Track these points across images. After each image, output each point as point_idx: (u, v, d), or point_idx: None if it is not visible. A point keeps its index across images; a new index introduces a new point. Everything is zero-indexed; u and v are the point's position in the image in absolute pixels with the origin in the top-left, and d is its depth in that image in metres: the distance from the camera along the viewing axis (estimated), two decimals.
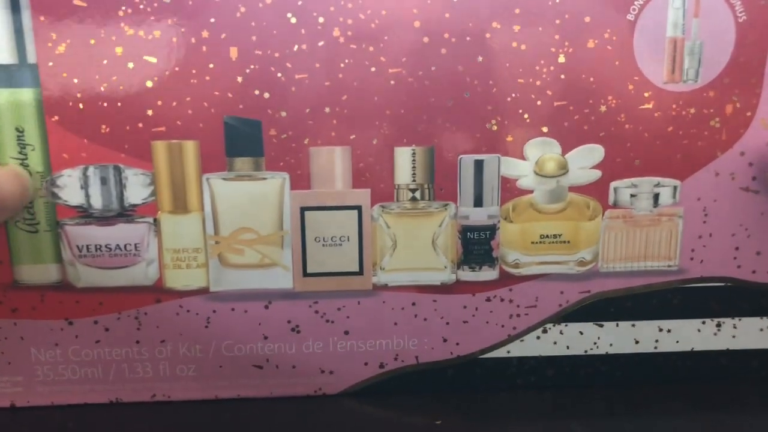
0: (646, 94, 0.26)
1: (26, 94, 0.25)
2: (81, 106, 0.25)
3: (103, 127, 0.25)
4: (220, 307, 0.27)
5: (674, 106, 0.26)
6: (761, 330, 0.29)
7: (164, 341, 0.27)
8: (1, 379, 0.28)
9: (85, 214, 0.26)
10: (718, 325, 0.29)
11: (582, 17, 0.25)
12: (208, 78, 0.25)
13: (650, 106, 0.26)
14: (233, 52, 0.25)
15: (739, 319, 0.29)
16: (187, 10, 0.24)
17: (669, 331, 0.28)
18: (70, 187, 0.26)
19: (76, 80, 0.25)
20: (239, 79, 0.25)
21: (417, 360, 0.28)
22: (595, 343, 0.28)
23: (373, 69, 0.25)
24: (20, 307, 0.27)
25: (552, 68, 0.26)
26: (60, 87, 0.25)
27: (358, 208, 0.27)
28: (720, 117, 0.27)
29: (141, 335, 0.27)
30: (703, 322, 0.29)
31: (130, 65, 0.25)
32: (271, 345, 0.28)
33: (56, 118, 0.25)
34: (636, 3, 0.25)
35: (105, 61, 0.25)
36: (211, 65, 0.25)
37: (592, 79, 0.26)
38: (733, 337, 0.29)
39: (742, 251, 0.28)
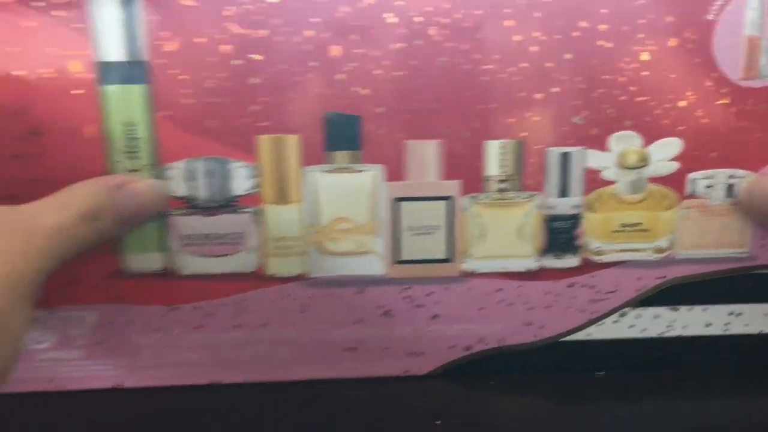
0: (723, 90, 0.28)
1: (136, 90, 0.26)
2: (189, 101, 0.26)
3: (211, 122, 0.26)
4: (316, 292, 0.29)
5: (750, 101, 0.28)
6: None
7: (263, 325, 0.29)
8: (106, 362, 0.29)
9: (190, 205, 0.27)
10: None
11: (665, 17, 0.27)
12: (310, 75, 0.26)
13: (727, 101, 0.28)
14: (335, 51, 0.26)
15: None
16: (291, 11, 0.26)
17: (739, 314, 0.30)
18: (176, 180, 0.27)
19: (184, 77, 0.26)
20: (340, 76, 0.26)
21: (501, 343, 0.30)
22: (669, 326, 0.30)
23: (466, 66, 0.27)
24: (127, 293, 0.28)
25: (635, 65, 0.27)
26: (169, 83, 0.26)
27: (449, 199, 0.28)
28: None
29: (242, 319, 0.29)
30: None
31: (238, 62, 0.26)
32: (363, 328, 0.29)
33: (165, 113, 0.26)
34: (716, 3, 0.27)
35: (214, 59, 0.26)
36: (314, 63, 0.26)
37: (672, 75, 0.27)
38: None
39: None
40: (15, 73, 0.25)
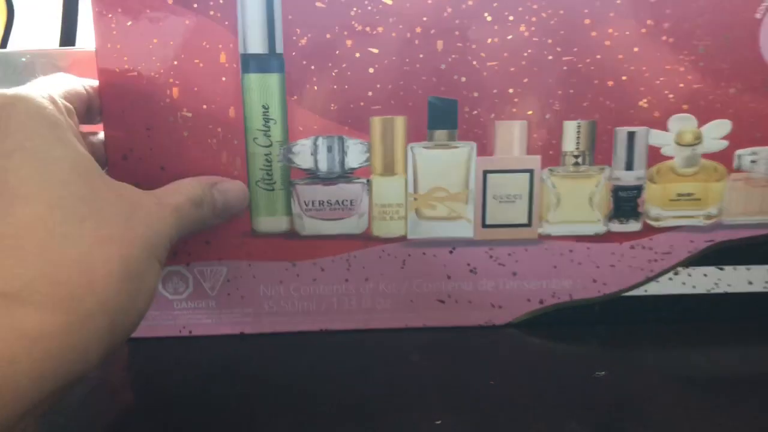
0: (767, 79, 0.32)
1: (273, 78, 0.31)
2: (315, 88, 0.31)
3: (332, 105, 0.31)
4: (414, 251, 0.33)
5: None
6: None
7: (367, 279, 0.34)
8: (234, 311, 0.34)
9: (312, 176, 0.32)
10: None
11: (719, 16, 0.31)
12: (418, 66, 0.31)
13: None
14: (439, 45, 0.31)
15: None
16: (404, 10, 0.30)
17: None
18: (302, 154, 0.32)
19: (312, 67, 0.31)
20: (443, 66, 0.31)
21: (570, 297, 0.34)
22: (716, 284, 0.34)
23: (550, 57, 0.31)
24: (254, 251, 0.33)
25: (693, 57, 0.31)
26: (299, 72, 0.31)
27: (531, 171, 0.33)
28: None
29: (349, 274, 0.33)
30: None
31: (357, 55, 0.31)
32: (452, 283, 0.34)
33: (295, 97, 0.31)
34: (763, 5, 0.31)
35: (337, 52, 0.31)
36: (421, 55, 0.31)
37: (724, 66, 0.32)
38: None
39: None
40: (175, 62, 0.30)
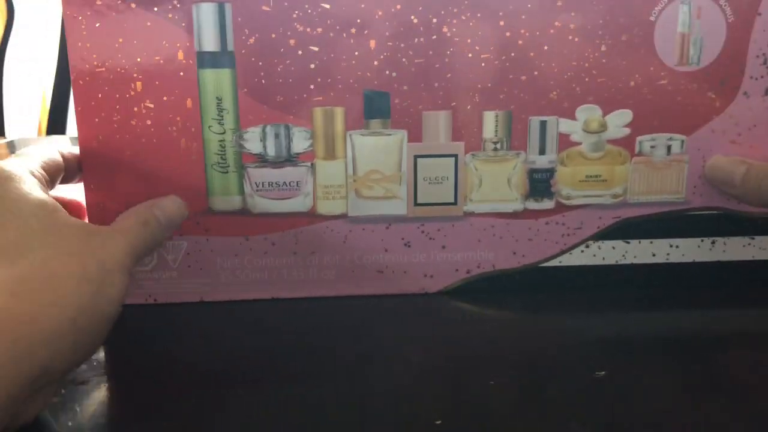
0: (662, 74, 0.36)
1: (225, 73, 0.35)
2: (263, 81, 0.35)
3: (278, 97, 0.35)
4: (354, 227, 0.38)
5: (682, 82, 0.36)
6: (743, 246, 0.39)
7: (314, 252, 0.38)
8: (194, 281, 0.38)
9: (262, 160, 0.36)
10: (713, 242, 0.39)
11: (617, 18, 0.35)
12: (353, 62, 0.35)
13: (665, 82, 0.36)
14: (372, 44, 0.35)
15: (728, 238, 0.39)
16: (341, 13, 0.35)
17: (677, 246, 0.39)
18: (252, 140, 0.36)
19: (260, 63, 0.35)
20: (375, 62, 0.35)
21: (494, 267, 0.39)
22: (623, 256, 0.39)
23: (470, 55, 0.35)
24: (212, 227, 0.37)
25: (596, 54, 0.36)
26: (248, 68, 0.35)
27: (455, 156, 0.37)
28: (714, 90, 0.37)
29: (297, 248, 0.38)
30: (702, 240, 0.39)
31: (300, 52, 0.35)
32: (389, 256, 0.38)
33: (245, 90, 0.35)
34: (656, 8, 0.35)
35: (282, 50, 0.35)
36: (356, 53, 0.35)
37: (624, 62, 0.36)
38: (723, 251, 0.39)
39: None
40: (139, 59, 0.34)
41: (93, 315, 0.27)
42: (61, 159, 0.34)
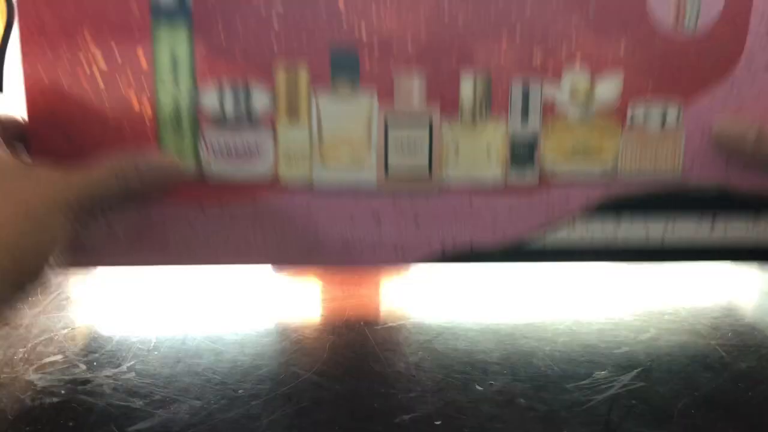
0: (657, 40, 0.33)
1: (181, 30, 0.32)
2: (222, 38, 0.33)
3: (238, 56, 0.33)
4: (320, 198, 0.35)
5: (677, 48, 0.33)
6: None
7: (275, 222, 0.35)
8: (146, 249, 0.36)
9: (220, 122, 0.34)
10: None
11: None
12: (321, 22, 0.32)
13: (659, 44, 0.33)
14: (341, 4, 0.32)
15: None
16: None
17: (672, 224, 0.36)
18: (210, 101, 0.33)
19: (219, 19, 0.32)
20: (344, 19, 0.32)
21: (471, 244, 0.36)
22: (611, 233, 0.36)
23: (445, 19, 0.33)
24: (167, 194, 0.35)
25: (584, 17, 0.33)
26: (207, 25, 0.32)
27: (430, 122, 0.34)
28: (712, 58, 0.34)
29: (258, 217, 0.35)
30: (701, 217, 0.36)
31: (262, 10, 0.32)
32: (357, 227, 0.35)
33: (203, 48, 0.33)
34: None
35: (246, 9, 0.32)
36: (324, 9, 0.32)
37: (613, 23, 0.33)
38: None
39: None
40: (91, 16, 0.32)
41: (33, 257, 0.27)
42: (20, 119, 0.33)
